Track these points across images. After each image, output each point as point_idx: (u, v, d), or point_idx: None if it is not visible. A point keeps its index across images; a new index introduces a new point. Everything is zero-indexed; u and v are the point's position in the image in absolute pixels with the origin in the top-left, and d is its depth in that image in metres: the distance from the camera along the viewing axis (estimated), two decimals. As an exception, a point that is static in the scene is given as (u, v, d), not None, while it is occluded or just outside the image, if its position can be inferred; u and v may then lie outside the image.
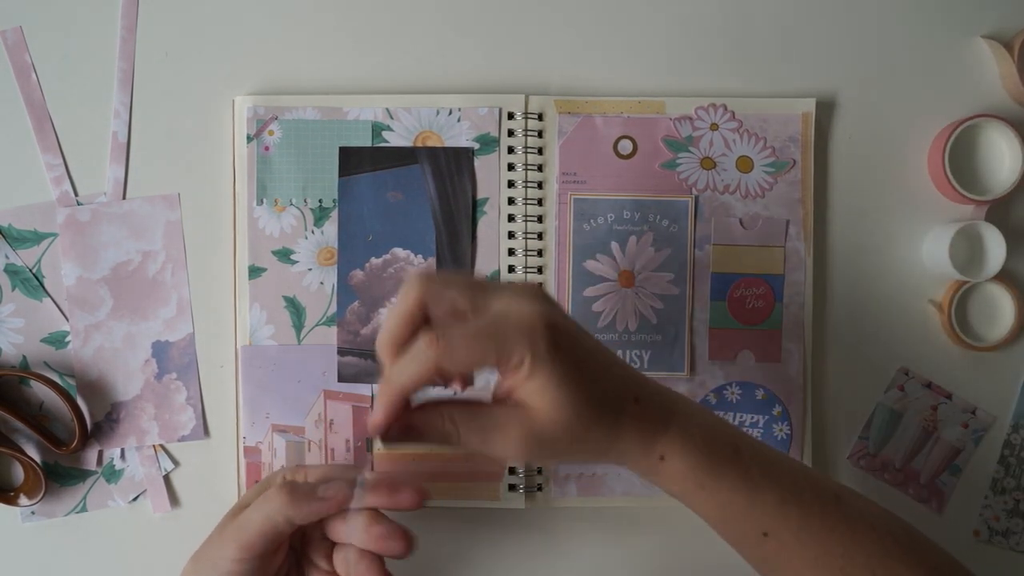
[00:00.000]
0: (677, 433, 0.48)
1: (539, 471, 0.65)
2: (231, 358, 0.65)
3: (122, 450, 0.64)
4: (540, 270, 0.65)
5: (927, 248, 0.66)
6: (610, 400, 0.47)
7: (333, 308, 0.64)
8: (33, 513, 0.64)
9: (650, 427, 0.48)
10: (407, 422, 0.46)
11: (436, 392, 0.47)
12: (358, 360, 0.64)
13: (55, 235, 0.64)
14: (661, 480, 0.49)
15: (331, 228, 0.64)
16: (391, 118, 0.64)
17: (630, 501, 0.65)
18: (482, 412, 0.46)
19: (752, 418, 0.65)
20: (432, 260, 0.64)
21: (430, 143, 0.64)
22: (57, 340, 0.64)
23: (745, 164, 0.66)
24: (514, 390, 0.46)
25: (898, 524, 0.50)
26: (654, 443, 0.48)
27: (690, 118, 0.65)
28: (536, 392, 0.45)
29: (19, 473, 0.64)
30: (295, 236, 0.64)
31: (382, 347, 0.46)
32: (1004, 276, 0.66)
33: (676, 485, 0.49)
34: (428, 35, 0.66)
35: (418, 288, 0.45)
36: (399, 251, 0.64)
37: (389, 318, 0.46)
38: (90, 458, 0.64)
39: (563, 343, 0.45)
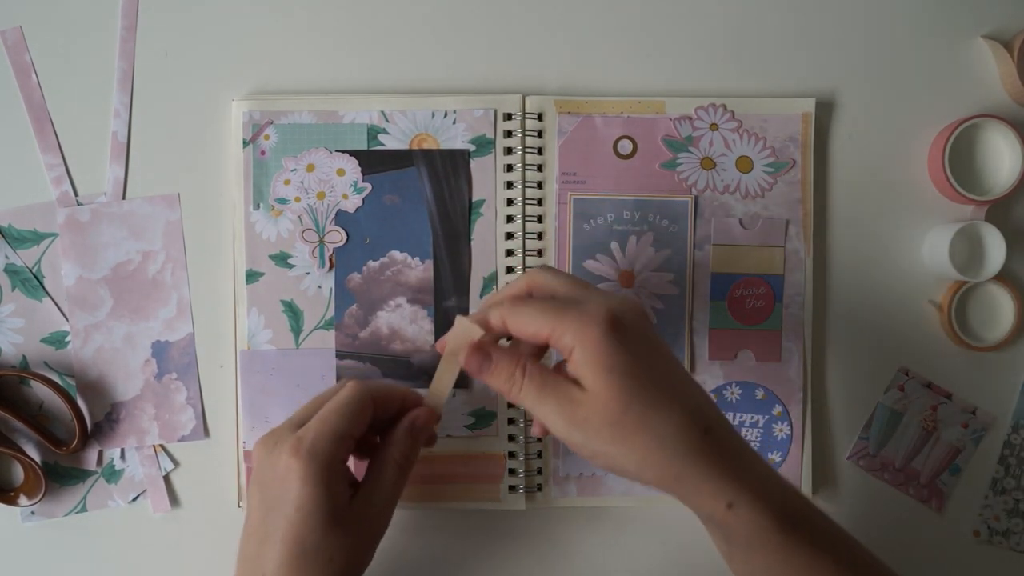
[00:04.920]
0: (752, 482, 0.46)
1: (539, 472, 0.65)
2: (231, 358, 0.65)
3: (122, 450, 0.64)
4: (539, 270, 0.65)
5: (927, 248, 0.66)
6: (675, 418, 0.46)
7: (331, 312, 0.64)
8: (33, 513, 0.64)
9: (719, 468, 0.46)
10: (488, 351, 0.51)
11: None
12: (357, 363, 0.64)
13: (55, 235, 0.64)
14: (721, 529, 0.47)
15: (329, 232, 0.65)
16: (387, 121, 0.64)
17: (630, 501, 0.65)
18: (549, 376, 0.49)
19: (752, 418, 0.65)
20: (430, 263, 0.64)
21: (426, 145, 0.64)
22: (57, 340, 0.64)
23: (745, 164, 0.65)
24: (568, 364, 0.48)
25: None
26: (723, 487, 0.46)
27: (690, 118, 0.65)
28: (582, 365, 0.47)
29: (19, 473, 0.64)
30: (292, 240, 0.64)
31: (483, 304, 0.55)
32: (1004, 276, 0.65)
33: (737, 538, 0.46)
34: (424, 37, 0.66)
35: (528, 276, 0.53)
36: (396, 254, 0.64)
37: (498, 292, 0.55)
38: (90, 458, 0.64)
39: (624, 336, 0.47)
